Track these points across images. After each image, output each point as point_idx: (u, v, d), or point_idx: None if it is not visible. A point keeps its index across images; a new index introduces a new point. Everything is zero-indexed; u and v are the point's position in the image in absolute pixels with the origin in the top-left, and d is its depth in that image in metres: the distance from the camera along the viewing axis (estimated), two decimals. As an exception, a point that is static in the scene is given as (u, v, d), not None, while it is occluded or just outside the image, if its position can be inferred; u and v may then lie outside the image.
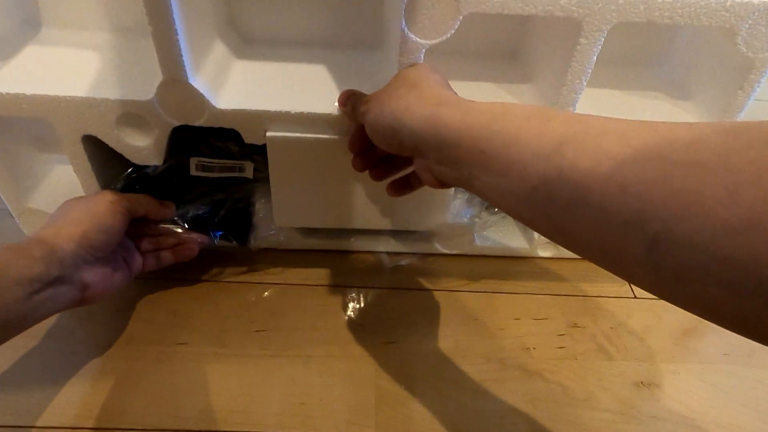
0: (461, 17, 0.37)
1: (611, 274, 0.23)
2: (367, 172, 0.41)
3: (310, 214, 0.49)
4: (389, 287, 0.52)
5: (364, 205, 0.49)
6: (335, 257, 0.54)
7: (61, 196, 0.52)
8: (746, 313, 0.17)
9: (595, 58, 0.40)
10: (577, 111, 0.43)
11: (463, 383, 0.44)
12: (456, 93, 0.33)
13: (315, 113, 0.42)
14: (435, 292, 0.52)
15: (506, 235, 0.56)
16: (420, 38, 0.37)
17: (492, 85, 0.48)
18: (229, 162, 0.47)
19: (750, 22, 0.38)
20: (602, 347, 0.48)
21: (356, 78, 0.46)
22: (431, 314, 0.50)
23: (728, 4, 0.37)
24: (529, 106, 0.27)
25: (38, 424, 0.39)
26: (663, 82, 0.50)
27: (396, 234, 0.54)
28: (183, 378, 0.42)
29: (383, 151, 0.37)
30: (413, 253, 0.54)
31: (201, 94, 0.40)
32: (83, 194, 0.47)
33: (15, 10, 0.47)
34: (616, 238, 0.20)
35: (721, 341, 0.49)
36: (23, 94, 0.40)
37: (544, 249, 0.55)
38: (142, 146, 0.43)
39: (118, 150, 0.43)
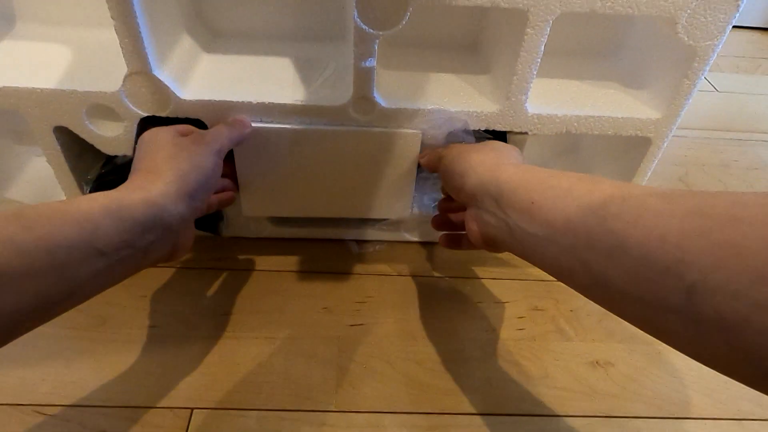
0: (411, 8, 0.38)
1: None
2: (337, 162, 0.46)
3: (277, 204, 0.51)
4: (356, 273, 0.53)
5: (330, 194, 0.50)
6: (305, 245, 0.55)
7: (38, 187, 0.54)
8: None
9: (542, 47, 0.41)
10: (532, 101, 0.45)
11: (423, 363, 0.46)
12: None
13: (278, 103, 0.43)
14: (400, 278, 0.53)
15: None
16: (372, 29, 0.39)
17: (452, 76, 0.49)
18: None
19: (689, 11, 0.40)
20: (561, 329, 0.50)
21: (319, 68, 0.48)
22: (396, 299, 0.51)
23: (667, -6, 0.39)
24: (583, 174, 0.30)
25: (10, 401, 0.41)
26: (618, 72, 0.51)
27: (364, 222, 0.55)
28: (151, 359, 0.44)
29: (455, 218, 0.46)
30: (380, 241, 0.56)
31: (166, 85, 0.42)
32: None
33: (-10, 6, 0.48)
34: (655, 286, 0.21)
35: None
36: (-5, 86, 0.41)
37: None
38: (111, 137, 0.45)
39: (89, 140, 0.45)
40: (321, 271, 0.53)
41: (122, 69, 0.41)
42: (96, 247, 0.28)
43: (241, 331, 0.47)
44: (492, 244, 0.35)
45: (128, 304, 0.48)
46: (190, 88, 0.44)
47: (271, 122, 0.44)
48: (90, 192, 0.48)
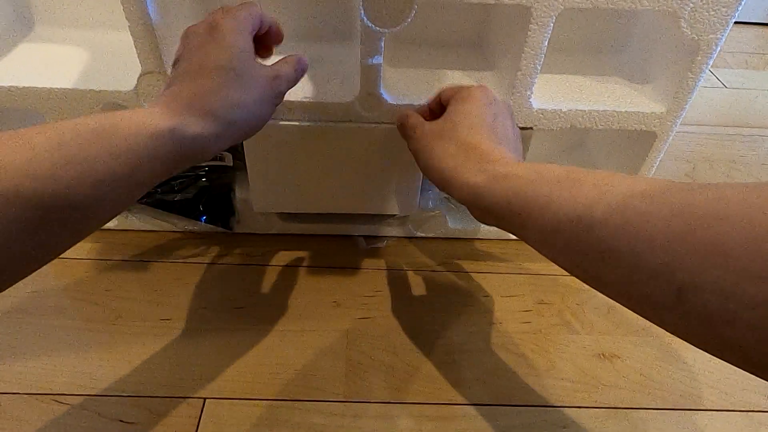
0: (416, 6, 0.39)
1: None
2: (344, 158, 0.46)
3: (287, 200, 0.52)
4: (364, 268, 0.54)
5: (338, 190, 0.51)
6: (314, 241, 0.56)
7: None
8: None
9: (546, 43, 0.42)
10: (537, 96, 0.46)
11: (429, 355, 0.46)
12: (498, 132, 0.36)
13: (286, 100, 0.44)
14: (408, 273, 0.54)
15: (479, 218, 0.58)
16: (378, 26, 0.40)
17: (457, 73, 0.50)
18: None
19: (691, 5, 0.40)
20: (567, 322, 0.50)
21: (329, 66, 0.49)
22: (403, 293, 0.52)
23: (669, -12, 0.39)
24: (560, 170, 0.29)
25: (30, 390, 0.42)
26: (622, 67, 0.52)
27: (372, 218, 0.56)
28: (165, 350, 0.45)
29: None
30: (388, 237, 0.57)
31: (178, 84, 0.43)
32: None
33: (9, 9, 0.50)
34: (646, 288, 0.22)
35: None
36: (15, 86, 0.43)
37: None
38: (126, 135, 0.46)
39: (104, 138, 0.46)
40: (330, 266, 0.54)
41: (136, 69, 0.42)
42: (142, 181, 0.29)
43: (252, 324, 0.48)
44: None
45: (142, 298, 0.49)
46: (202, 87, 0.45)
47: (280, 119, 0.45)
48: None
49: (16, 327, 0.46)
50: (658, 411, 0.44)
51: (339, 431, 0.41)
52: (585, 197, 0.26)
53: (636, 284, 0.23)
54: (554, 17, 0.40)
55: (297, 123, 0.46)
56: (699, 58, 0.43)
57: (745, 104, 0.88)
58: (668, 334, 0.23)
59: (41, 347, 0.45)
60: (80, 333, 0.46)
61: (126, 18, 0.39)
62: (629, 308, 0.25)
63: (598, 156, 0.59)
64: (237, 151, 0.50)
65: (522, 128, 0.48)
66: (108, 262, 0.53)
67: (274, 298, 0.51)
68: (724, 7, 0.40)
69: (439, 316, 0.50)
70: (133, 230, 0.55)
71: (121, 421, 0.40)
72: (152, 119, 0.29)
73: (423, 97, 0.46)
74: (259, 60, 0.36)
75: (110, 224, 0.55)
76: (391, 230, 0.57)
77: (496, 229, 0.57)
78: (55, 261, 0.52)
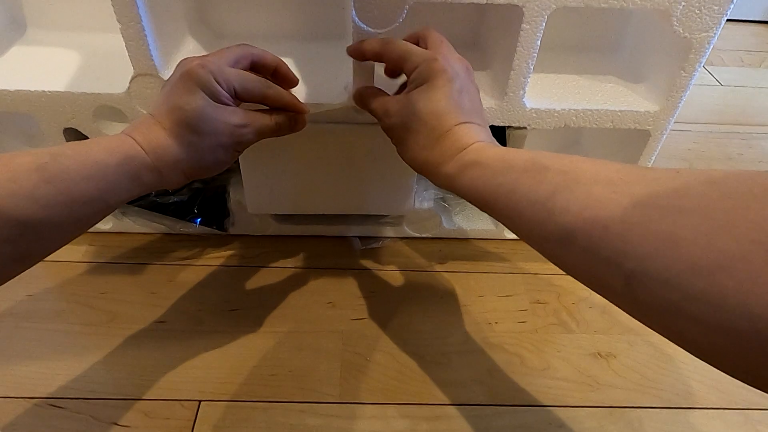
0: (407, 7, 0.39)
1: None
2: (338, 159, 0.45)
3: (281, 201, 0.52)
4: (359, 268, 0.54)
5: (333, 191, 0.51)
6: (309, 242, 0.56)
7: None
8: (716, 347, 0.18)
9: (538, 42, 0.42)
10: (530, 95, 0.46)
11: (425, 355, 0.46)
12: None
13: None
14: (403, 273, 0.54)
15: (474, 218, 0.58)
16: (370, 27, 0.40)
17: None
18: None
19: (683, 3, 0.40)
20: (563, 321, 0.50)
21: (323, 67, 0.49)
22: (398, 293, 0.52)
23: (661, -13, 0.39)
24: (527, 157, 0.29)
25: (24, 394, 0.42)
26: (616, 66, 0.52)
27: (367, 219, 0.56)
28: (160, 353, 0.45)
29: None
30: (383, 237, 0.57)
31: (171, 86, 0.43)
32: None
33: (1, 12, 0.50)
34: (600, 272, 0.23)
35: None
36: (7, 90, 0.43)
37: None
38: (119, 137, 0.46)
39: (98, 141, 0.46)
40: (325, 267, 0.54)
41: (129, 71, 0.42)
42: (109, 203, 0.32)
43: (247, 325, 0.48)
44: None
45: (137, 301, 0.49)
46: (195, 89, 0.45)
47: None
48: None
49: (11, 331, 0.46)
50: (655, 410, 0.44)
51: (334, 432, 0.41)
52: (549, 183, 0.26)
53: (592, 269, 0.23)
54: (546, 17, 0.40)
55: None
56: (692, 56, 0.43)
57: (740, 102, 0.88)
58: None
59: (36, 351, 0.45)
60: (75, 336, 0.46)
61: (117, 20, 0.39)
62: (594, 292, 0.25)
63: (593, 155, 0.59)
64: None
65: (515, 128, 0.48)
66: (103, 264, 0.53)
67: (269, 299, 0.50)
68: (715, 5, 0.40)
69: (435, 316, 0.50)
70: (128, 233, 0.55)
71: (115, 424, 0.40)
72: (121, 146, 0.32)
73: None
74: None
75: (105, 227, 0.55)
76: (386, 231, 0.57)
77: (490, 228, 0.57)
78: (50, 264, 0.52)
